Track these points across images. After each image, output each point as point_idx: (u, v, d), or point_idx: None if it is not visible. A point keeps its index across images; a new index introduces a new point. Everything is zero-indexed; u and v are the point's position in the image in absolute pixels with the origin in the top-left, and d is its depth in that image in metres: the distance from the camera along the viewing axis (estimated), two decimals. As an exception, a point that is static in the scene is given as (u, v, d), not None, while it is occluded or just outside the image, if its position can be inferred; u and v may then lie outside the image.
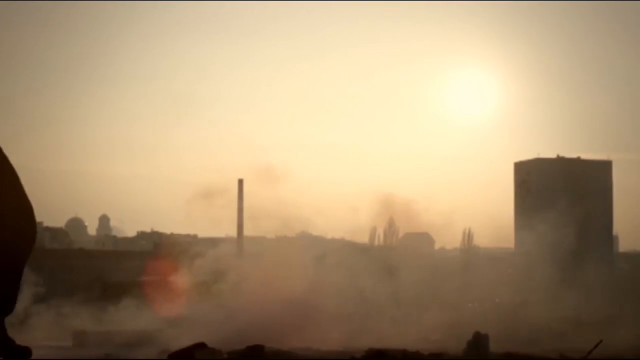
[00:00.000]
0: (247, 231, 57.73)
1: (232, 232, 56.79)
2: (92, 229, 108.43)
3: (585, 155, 75.19)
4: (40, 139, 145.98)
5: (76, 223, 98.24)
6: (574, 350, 5.33)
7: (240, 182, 54.36)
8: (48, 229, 73.59)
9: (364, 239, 54.63)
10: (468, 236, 65.45)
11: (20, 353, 4.93)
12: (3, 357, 4.89)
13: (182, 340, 6.27)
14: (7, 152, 5.15)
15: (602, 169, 74.87)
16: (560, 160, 74.86)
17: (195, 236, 77.32)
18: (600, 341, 5.11)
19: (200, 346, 4.32)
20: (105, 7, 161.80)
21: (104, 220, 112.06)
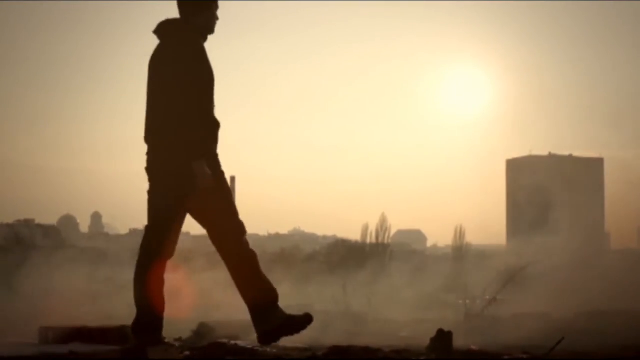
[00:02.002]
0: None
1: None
2: (84, 226, 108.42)
3: (577, 153, 75.57)
4: (40, 137, 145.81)
5: (68, 220, 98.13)
6: (540, 347, 5.33)
7: (233, 179, 54.62)
8: (40, 226, 73.43)
9: (355, 236, 54.73)
10: (460, 233, 65.46)
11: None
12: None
13: None
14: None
15: (594, 166, 75.06)
16: (552, 158, 75.07)
17: (187, 234, 77.38)
18: (563, 338, 5.07)
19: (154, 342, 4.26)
20: (105, 6, 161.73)
21: (96, 217, 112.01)
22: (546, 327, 6.75)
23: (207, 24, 5.39)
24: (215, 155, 5.32)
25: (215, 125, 5.30)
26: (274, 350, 5.57)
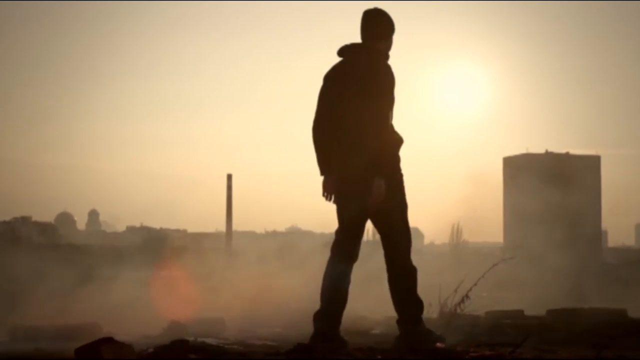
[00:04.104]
0: (236, 226, 57.91)
1: (221, 227, 56.95)
2: (81, 223, 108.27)
3: (574, 151, 75.26)
4: (38, 134, 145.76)
5: (65, 218, 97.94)
6: (508, 344, 5.31)
7: (229, 176, 54.63)
8: (37, 223, 73.37)
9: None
10: (457, 231, 65.42)
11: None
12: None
13: None
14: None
15: (591, 164, 74.93)
16: (549, 156, 74.87)
17: (184, 231, 77.27)
18: (528, 335, 5.06)
19: (107, 341, 4.12)
20: (104, 5, 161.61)
21: (93, 215, 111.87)
22: (519, 324, 6.74)
23: (388, 50, 5.90)
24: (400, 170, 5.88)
25: (401, 142, 5.85)
26: (240, 348, 5.55)
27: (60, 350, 5.29)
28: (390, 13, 5.98)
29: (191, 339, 5.64)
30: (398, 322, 5.88)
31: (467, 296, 7.34)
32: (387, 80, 5.66)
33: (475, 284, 7.52)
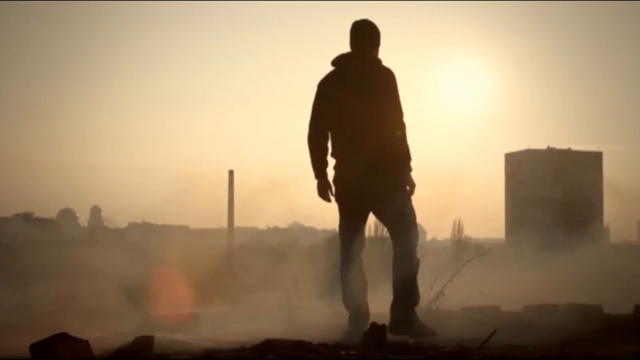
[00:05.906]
0: (238, 222, 58.03)
1: (223, 223, 56.97)
2: (83, 220, 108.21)
3: (575, 147, 75.40)
4: (40, 131, 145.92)
5: (67, 214, 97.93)
6: (477, 340, 5.31)
7: (231, 173, 54.67)
8: (39, 219, 73.41)
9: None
10: (458, 227, 65.42)
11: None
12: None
13: None
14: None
15: (593, 160, 74.90)
16: (550, 152, 74.91)
17: (186, 227, 77.29)
18: (494, 331, 5.06)
19: (62, 337, 4.05)
20: (105, 3, 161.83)
21: (95, 211, 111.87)
22: (494, 320, 6.71)
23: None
24: None
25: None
26: (209, 343, 5.54)
27: (17, 346, 5.22)
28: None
29: (161, 335, 5.62)
30: (394, 308, 6.07)
31: (442, 292, 7.33)
32: (396, 83, 6.15)
33: (450, 280, 7.51)
